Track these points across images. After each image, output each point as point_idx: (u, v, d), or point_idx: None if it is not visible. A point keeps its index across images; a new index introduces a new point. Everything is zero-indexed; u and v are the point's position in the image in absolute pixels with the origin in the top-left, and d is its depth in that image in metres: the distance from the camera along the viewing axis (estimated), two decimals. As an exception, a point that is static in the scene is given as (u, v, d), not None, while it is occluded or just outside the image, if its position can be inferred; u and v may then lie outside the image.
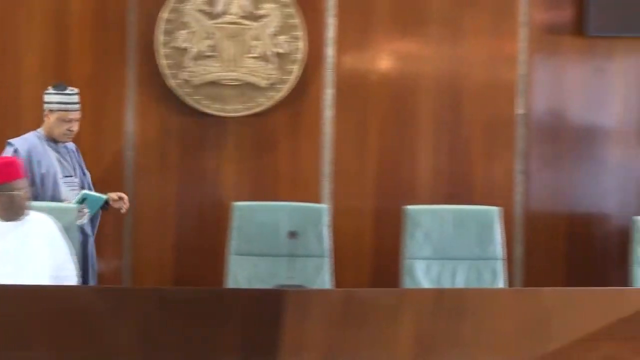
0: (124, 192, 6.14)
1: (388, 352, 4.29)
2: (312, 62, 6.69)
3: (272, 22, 6.62)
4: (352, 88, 6.75)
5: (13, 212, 5.40)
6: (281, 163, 6.76)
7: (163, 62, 6.59)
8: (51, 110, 5.85)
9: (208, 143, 6.52)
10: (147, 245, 6.61)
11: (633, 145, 6.66)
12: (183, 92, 6.55)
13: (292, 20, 6.60)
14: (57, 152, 5.94)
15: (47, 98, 5.88)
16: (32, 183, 5.72)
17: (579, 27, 6.76)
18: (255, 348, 4.26)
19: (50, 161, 5.87)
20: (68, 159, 5.98)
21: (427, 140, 6.60)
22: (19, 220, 5.42)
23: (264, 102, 6.65)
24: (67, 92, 5.85)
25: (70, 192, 5.90)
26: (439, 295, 4.44)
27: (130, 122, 6.62)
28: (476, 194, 6.52)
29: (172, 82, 6.57)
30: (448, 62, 6.77)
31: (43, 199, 5.76)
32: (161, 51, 6.59)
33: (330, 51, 6.71)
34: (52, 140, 5.92)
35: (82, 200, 5.76)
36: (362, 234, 6.72)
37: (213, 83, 6.63)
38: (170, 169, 6.52)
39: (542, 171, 6.83)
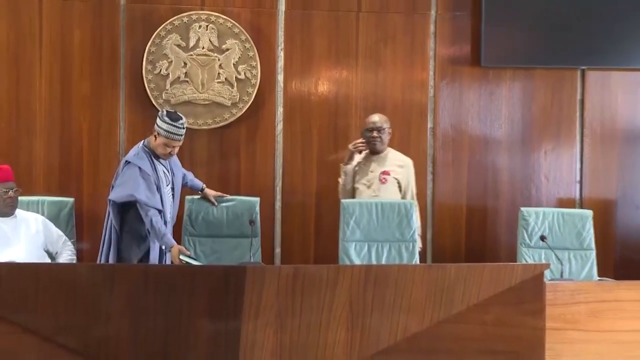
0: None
1: (327, 315, 4.25)
2: (266, 86, 6.68)
3: (234, 54, 6.58)
4: (297, 106, 6.76)
5: (7, 204, 5.40)
6: (242, 165, 6.72)
7: (148, 86, 6.51)
8: (159, 134, 5.38)
9: (184, 150, 6.41)
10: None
11: (517, 151, 6.68)
12: (164, 110, 6.48)
13: (250, 53, 6.58)
14: (162, 164, 5.53)
15: (159, 122, 5.39)
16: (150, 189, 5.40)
17: (475, 60, 6.84)
18: (222, 312, 4.22)
19: (159, 174, 5.47)
20: (169, 168, 5.60)
21: (357, 148, 6.56)
22: (9, 216, 5.41)
23: (228, 118, 6.63)
24: (177, 124, 5.36)
25: (169, 197, 5.55)
26: (368, 270, 4.42)
27: (122, 134, 6.54)
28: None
29: (155, 102, 6.46)
30: (373, 86, 6.81)
31: (155, 204, 5.36)
32: (146, 77, 6.49)
33: (280, 77, 6.71)
34: (156, 155, 5.51)
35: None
36: (306, 222, 6.67)
37: (188, 102, 6.58)
38: (154, 170, 6.43)
39: (446, 172, 6.83)
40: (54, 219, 5.69)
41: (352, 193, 6.09)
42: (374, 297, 4.24)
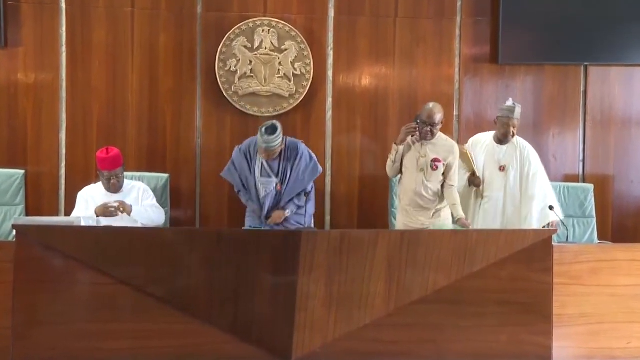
0: (194, 169, 6.38)
1: (369, 271, 4.24)
2: (318, 80, 6.60)
3: (291, 54, 6.53)
4: (344, 97, 6.67)
5: (111, 188, 5.47)
6: (298, 146, 6.69)
7: (220, 80, 6.48)
8: (259, 146, 5.53)
9: (250, 133, 6.40)
10: (210, 201, 6.52)
11: (529, 135, 6.51)
12: (233, 100, 6.47)
13: (305, 52, 6.53)
14: (262, 161, 5.62)
15: (258, 135, 5.51)
16: (240, 175, 5.67)
17: (493, 58, 6.71)
18: (282, 269, 4.23)
19: (255, 164, 5.64)
20: (272, 164, 5.62)
21: (394, 131, 6.48)
22: (118, 193, 5.52)
23: (286, 107, 6.57)
24: (264, 139, 5.43)
25: (264, 187, 5.62)
26: (403, 234, 4.41)
27: (199, 120, 6.52)
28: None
29: (225, 94, 6.45)
30: (407, 80, 6.69)
31: (249, 186, 5.65)
32: (218, 73, 6.47)
33: (330, 73, 6.63)
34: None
35: None
36: (352, 194, 6.61)
37: (253, 94, 6.53)
38: (225, 150, 6.42)
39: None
40: (153, 190, 5.83)
41: (399, 170, 5.57)
42: (408, 257, 4.23)
